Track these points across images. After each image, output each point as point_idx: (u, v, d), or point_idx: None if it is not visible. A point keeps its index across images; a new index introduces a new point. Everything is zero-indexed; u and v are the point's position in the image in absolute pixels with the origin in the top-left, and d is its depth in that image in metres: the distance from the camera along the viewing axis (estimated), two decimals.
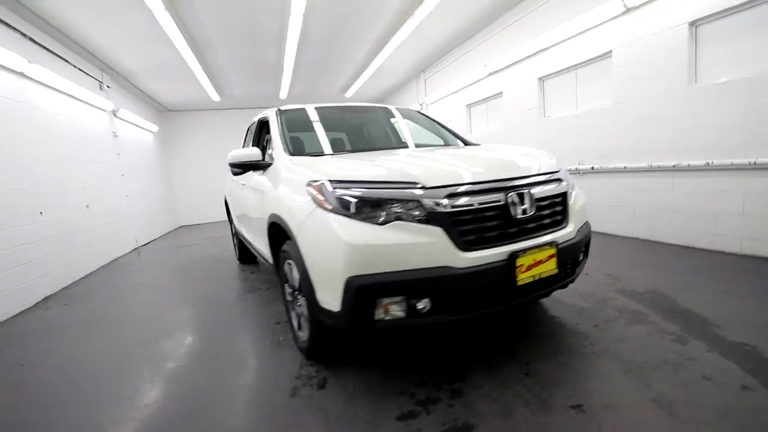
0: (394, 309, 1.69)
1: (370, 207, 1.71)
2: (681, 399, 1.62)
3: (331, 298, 1.74)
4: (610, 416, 1.56)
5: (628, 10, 4.01)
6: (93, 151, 5.92)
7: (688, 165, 3.67)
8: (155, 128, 9.08)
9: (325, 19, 5.50)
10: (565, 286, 2.10)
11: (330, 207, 1.74)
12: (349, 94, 10.22)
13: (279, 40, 6.15)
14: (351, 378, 2.00)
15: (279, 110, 3.02)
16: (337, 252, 1.67)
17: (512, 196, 1.83)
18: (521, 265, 1.77)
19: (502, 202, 1.80)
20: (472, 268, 1.68)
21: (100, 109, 6.36)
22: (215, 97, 8.94)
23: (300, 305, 2.22)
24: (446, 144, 3.23)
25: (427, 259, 1.65)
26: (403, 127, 3.38)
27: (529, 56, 5.51)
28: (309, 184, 1.88)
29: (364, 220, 1.68)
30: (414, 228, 1.67)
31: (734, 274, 3.01)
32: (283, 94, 9.46)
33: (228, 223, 5.57)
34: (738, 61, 3.28)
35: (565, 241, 1.96)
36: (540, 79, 5.46)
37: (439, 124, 3.46)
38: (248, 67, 7.39)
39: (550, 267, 1.87)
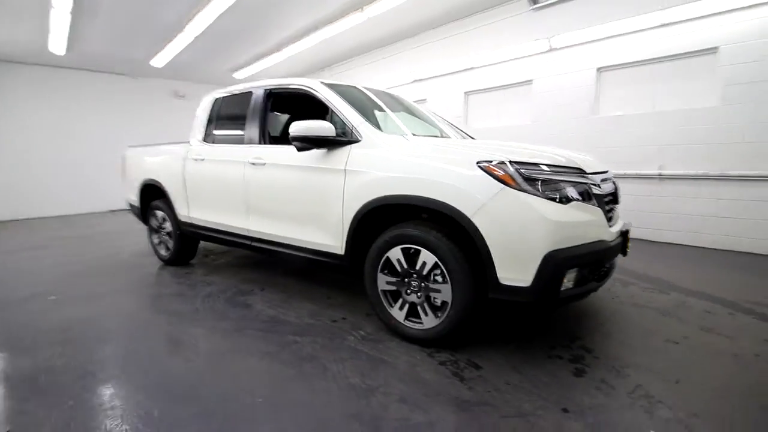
0: (565, 280, 1.89)
1: (551, 187, 1.86)
2: (711, 324, 2.38)
3: (519, 275, 1.81)
4: (691, 343, 2.17)
5: (551, 50, 5.15)
6: None
7: None
8: None
9: None
10: None
11: (521, 187, 1.81)
12: (240, 75, 9.15)
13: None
14: (491, 355, 2.07)
15: (327, 84, 2.70)
16: (538, 229, 1.77)
17: (615, 184, 2.30)
18: (628, 238, 2.24)
19: (613, 189, 2.24)
20: (614, 241, 2.05)
21: None
22: (59, 50, 6.60)
23: (413, 292, 2.13)
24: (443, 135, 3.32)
25: (594, 234, 1.94)
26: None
27: (457, 72, 6.29)
28: (484, 165, 1.87)
29: (548, 199, 1.83)
30: (586, 207, 1.92)
31: (640, 252, 4.31)
32: (160, 62, 7.76)
33: (140, 216, 4.32)
34: (628, 101, 4.71)
35: None
36: (466, 93, 6.31)
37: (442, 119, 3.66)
38: (134, 21, 5.84)
39: (627, 241, 2.42)
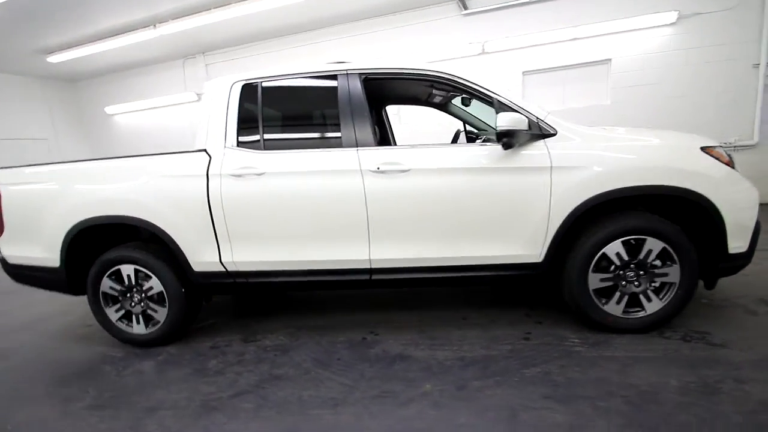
0: None
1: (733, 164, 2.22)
2: None
3: (742, 242, 2.11)
4: None
5: (483, 53, 5.74)
6: None
7: None
8: None
9: None
10: None
11: (734, 166, 2.10)
12: (56, 59, 6.35)
13: None
14: (694, 321, 2.29)
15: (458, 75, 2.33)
16: (753, 199, 2.11)
17: None
18: None
19: None
20: None
21: None
22: None
23: (629, 282, 2.15)
24: None
25: None
26: None
27: None
28: (706, 150, 2.06)
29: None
30: None
31: None
32: None
33: (64, 284, 2.56)
34: (546, 100, 5.74)
35: None
36: None
37: None
38: None
39: None
